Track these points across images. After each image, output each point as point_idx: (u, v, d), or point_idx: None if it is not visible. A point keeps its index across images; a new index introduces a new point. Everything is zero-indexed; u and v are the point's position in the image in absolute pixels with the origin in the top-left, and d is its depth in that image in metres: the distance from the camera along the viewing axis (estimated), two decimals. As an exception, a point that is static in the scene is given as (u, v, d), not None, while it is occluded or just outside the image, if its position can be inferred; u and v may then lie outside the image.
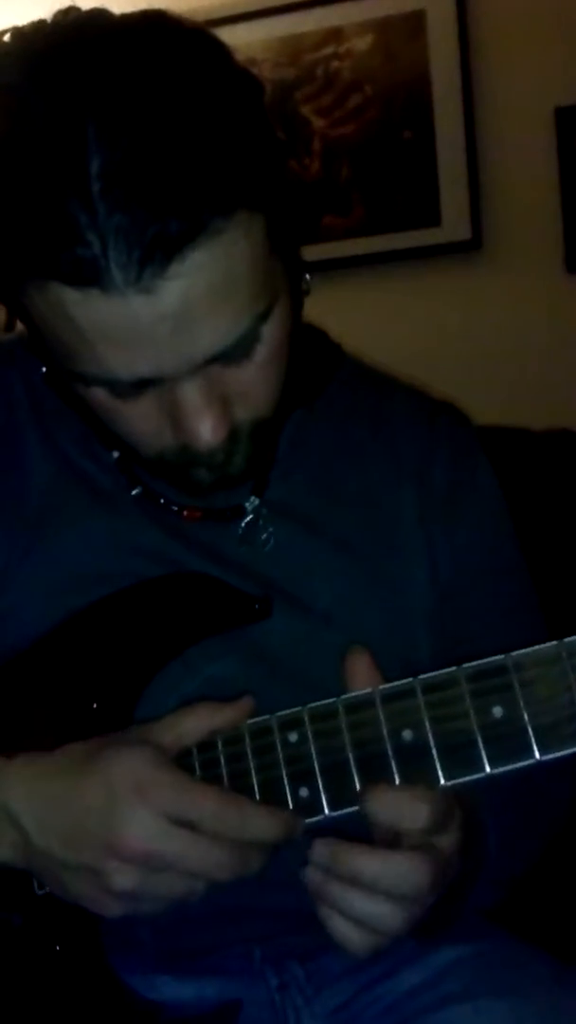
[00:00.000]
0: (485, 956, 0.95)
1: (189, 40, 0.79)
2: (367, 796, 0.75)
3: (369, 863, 0.74)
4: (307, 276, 0.91)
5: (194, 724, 0.83)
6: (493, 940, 0.98)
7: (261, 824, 0.79)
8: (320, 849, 0.75)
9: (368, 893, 0.74)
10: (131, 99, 0.74)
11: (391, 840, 0.76)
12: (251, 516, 0.98)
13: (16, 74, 0.77)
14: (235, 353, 0.82)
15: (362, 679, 0.79)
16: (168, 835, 0.76)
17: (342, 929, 0.75)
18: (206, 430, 0.83)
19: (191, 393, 0.82)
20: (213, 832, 0.77)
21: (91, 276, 0.74)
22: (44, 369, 0.95)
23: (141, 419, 0.85)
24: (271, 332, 0.84)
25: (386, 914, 0.74)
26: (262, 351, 0.84)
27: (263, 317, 0.82)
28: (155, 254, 0.73)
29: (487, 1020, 0.88)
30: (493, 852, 0.89)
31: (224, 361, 0.82)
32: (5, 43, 0.79)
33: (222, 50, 0.81)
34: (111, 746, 0.80)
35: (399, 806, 0.75)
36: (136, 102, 0.74)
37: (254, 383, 0.85)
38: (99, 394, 0.84)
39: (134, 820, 0.76)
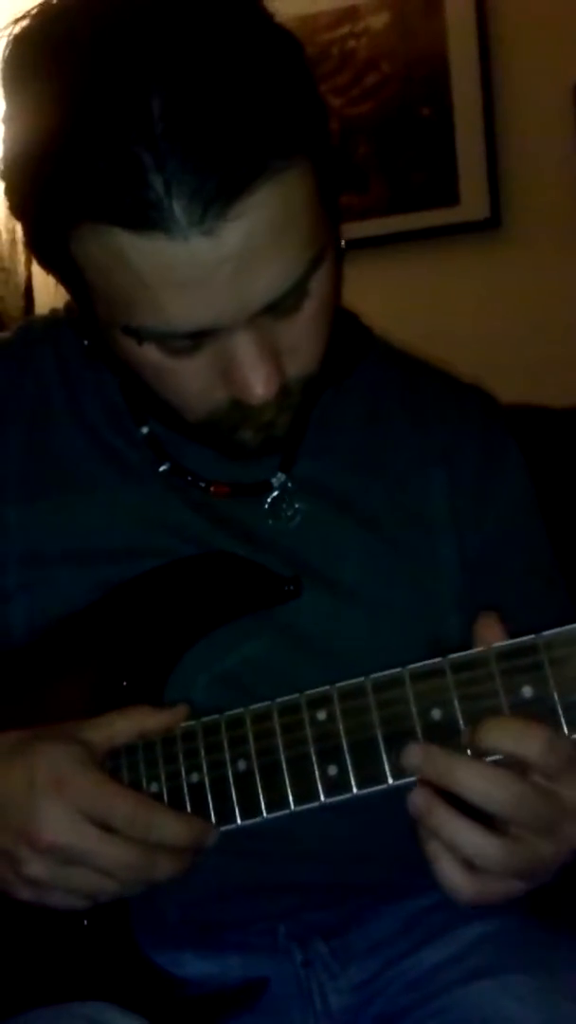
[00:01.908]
0: (511, 933, 0.96)
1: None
2: (481, 728, 0.74)
3: (479, 773, 0.72)
4: (343, 243, 0.91)
5: (125, 725, 0.86)
6: (518, 917, 0.98)
7: (170, 829, 0.81)
8: (414, 754, 0.74)
9: (471, 823, 0.72)
10: (191, 43, 0.75)
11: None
12: (277, 492, 0.99)
13: (82, 19, 0.77)
14: (287, 303, 0.82)
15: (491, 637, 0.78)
16: (79, 831, 0.79)
17: (446, 867, 0.73)
18: (259, 383, 0.83)
19: (246, 345, 0.82)
20: (124, 833, 0.80)
21: (154, 219, 0.74)
22: (86, 343, 0.95)
23: (193, 376, 0.85)
24: (319, 285, 0.84)
25: (490, 849, 0.72)
26: (311, 304, 0.84)
27: (315, 263, 0.82)
28: (219, 195, 0.74)
29: (513, 995, 0.88)
30: None
31: (275, 313, 0.82)
32: None
33: (266, 9, 0.82)
34: (42, 739, 0.83)
35: (510, 731, 0.73)
36: (196, 46, 0.75)
37: (304, 337, 0.86)
38: (151, 353, 0.84)
39: (49, 813, 0.79)
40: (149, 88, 0.73)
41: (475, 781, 0.72)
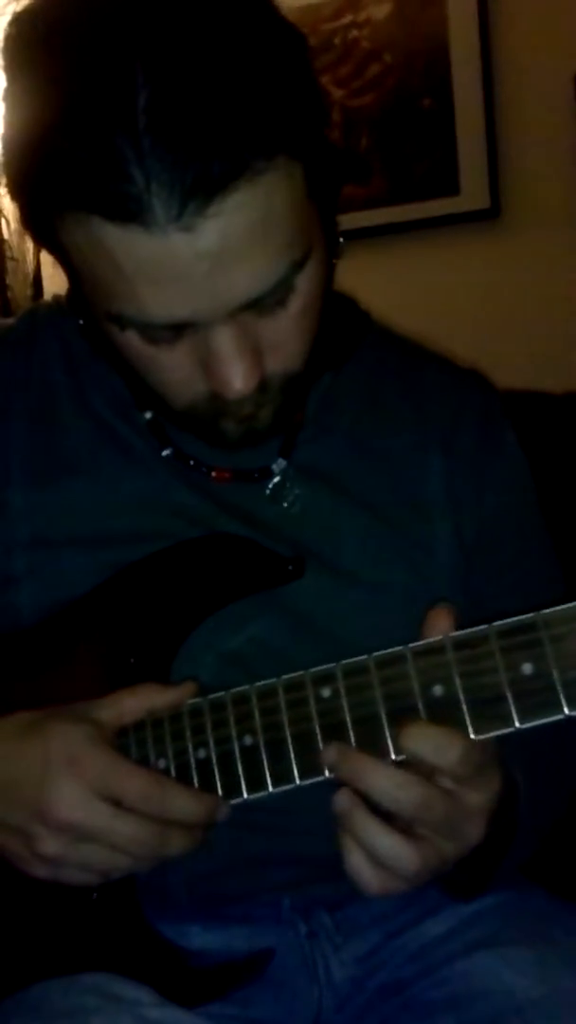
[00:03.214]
0: (512, 905, 0.97)
1: None
2: (403, 732, 0.77)
3: (386, 776, 0.76)
4: (341, 239, 0.92)
5: (134, 703, 0.87)
6: (520, 889, 1.00)
7: (182, 805, 0.83)
8: (330, 752, 0.78)
9: (384, 827, 0.76)
10: (181, 38, 0.74)
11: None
12: (279, 478, 1.00)
13: (77, 8, 0.77)
14: (269, 300, 0.82)
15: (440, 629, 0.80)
16: (93, 808, 0.81)
17: (358, 863, 0.77)
18: (237, 378, 0.83)
19: (224, 340, 0.82)
20: (136, 809, 0.82)
21: (133, 211, 0.75)
22: (81, 322, 0.95)
23: (173, 366, 0.86)
24: (305, 283, 0.84)
25: (399, 852, 0.76)
26: (296, 302, 0.84)
27: (299, 265, 0.82)
28: (197, 191, 0.74)
29: (514, 967, 0.89)
30: (524, 812, 0.91)
31: (258, 309, 0.82)
32: None
33: (269, 2, 0.82)
34: (54, 718, 0.84)
35: (431, 739, 0.76)
36: (185, 41, 0.74)
37: (286, 334, 0.86)
38: (133, 340, 0.85)
39: (63, 791, 0.81)
40: (136, 81, 0.73)
41: (383, 784, 0.76)
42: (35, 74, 0.78)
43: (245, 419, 0.90)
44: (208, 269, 0.77)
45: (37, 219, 0.83)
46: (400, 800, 0.75)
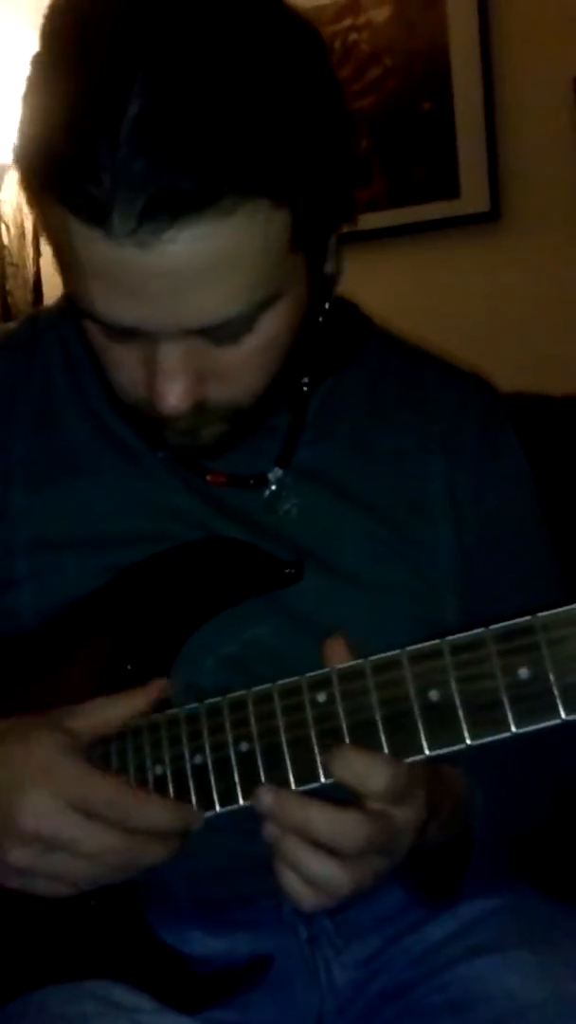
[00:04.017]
0: (514, 909, 0.97)
1: (264, 18, 0.79)
2: (333, 755, 0.78)
3: (313, 813, 0.77)
4: (335, 273, 0.92)
5: (113, 711, 0.87)
6: (521, 893, 1.00)
7: (153, 814, 0.83)
8: (266, 796, 0.78)
9: (317, 852, 0.77)
10: (191, 59, 0.74)
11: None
12: (275, 487, 1.00)
13: (97, 9, 0.78)
14: (220, 334, 0.82)
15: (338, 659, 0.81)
16: (63, 817, 0.81)
17: (292, 884, 0.78)
18: (171, 395, 0.84)
19: (167, 356, 0.83)
20: (107, 819, 0.81)
21: (96, 216, 0.75)
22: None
23: (122, 364, 0.87)
24: (268, 326, 0.84)
25: (333, 875, 0.77)
26: (251, 341, 0.84)
27: (262, 306, 0.82)
28: (157, 211, 0.74)
29: (516, 971, 0.89)
30: (482, 821, 0.92)
31: (210, 338, 0.82)
32: None
33: (299, 38, 0.81)
34: (30, 726, 0.84)
35: (359, 766, 0.77)
36: (194, 64, 0.74)
37: (235, 369, 0.86)
38: (92, 328, 0.86)
39: (33, 801, 0.81)
40: (133, 89, 0.73)
41: (318, 823, 0.77)
42: (50, 59, 0.79)
43: (183, 434, 0.90)
44: (162, 288, 0.78)
45: (31, 200, 0.84)
46: (336, 838, 0.77)
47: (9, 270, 2.46)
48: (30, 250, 2.48)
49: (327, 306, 0.97)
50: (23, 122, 0.80)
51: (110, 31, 0.76)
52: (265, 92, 0.76)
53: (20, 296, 2.48)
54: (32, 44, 0.83)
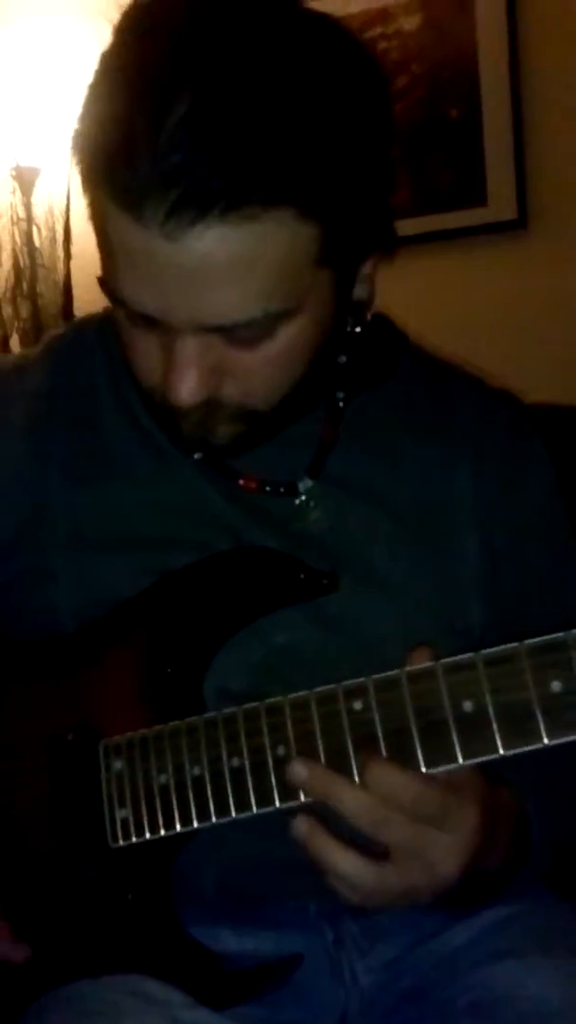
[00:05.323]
0: (536, 915, 0.98)
1: (320, 42, 0.82)
2: (363, 766, 0.81)
3: (350, 794, 0.80)
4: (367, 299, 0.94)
5: None
6: (545, 900, 1.01)
7: None
8: (300, 770, 0.81)
9: (345, 847, 0.80)
10: (238, 73, 0.78)
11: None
12: (304, 497, 1.02)
13: (167, 15, 0.82)
14: (239, 335, 0.85)
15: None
16: None
17: (330, 880, 0.82)
18: (182, 387, 0.86)
19: (183, 347, 0.85)
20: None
21: (130, 203, 0.79)
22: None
23: (143, 350, 0.90)
24: (288, 336, 0.87)
25: (358, 870, 0.80)
26: (271, 347, 0.87)
27: (279, 318, 0.85)
28: (187, 206, 0.77)
29: (537, 976, 0.90)
30: (536, 837, 0.93)
31: (228, 339, 0.85)
32: None
33: (359, 64, 0.84)
34: None
35: (385, 779, 0.80)
36: (242, 76, 0.78)
37: (249, 373, 0.88)
38: (119, 312, 0.89)
39: None
40: (184, 92, 0.77)
41: (347, 800, 0.80)
42: (115, 58, 0.83)
43: (196, 426, 0.92)
44: (184, 279, 0.81)
45: (84, 185, 0.87)
46: (360, 817, 0.80)
47: (40, 272, 2.49)
48: (61, 253, 2.50)
49: (359, 329, 0.99)
50: (84, 109, 0.84)
51: (172, 40, 0.80)
52: (306, 111, 0.79)
53: (50, 298, 2.51)
54: (80, 45, 0.87)
